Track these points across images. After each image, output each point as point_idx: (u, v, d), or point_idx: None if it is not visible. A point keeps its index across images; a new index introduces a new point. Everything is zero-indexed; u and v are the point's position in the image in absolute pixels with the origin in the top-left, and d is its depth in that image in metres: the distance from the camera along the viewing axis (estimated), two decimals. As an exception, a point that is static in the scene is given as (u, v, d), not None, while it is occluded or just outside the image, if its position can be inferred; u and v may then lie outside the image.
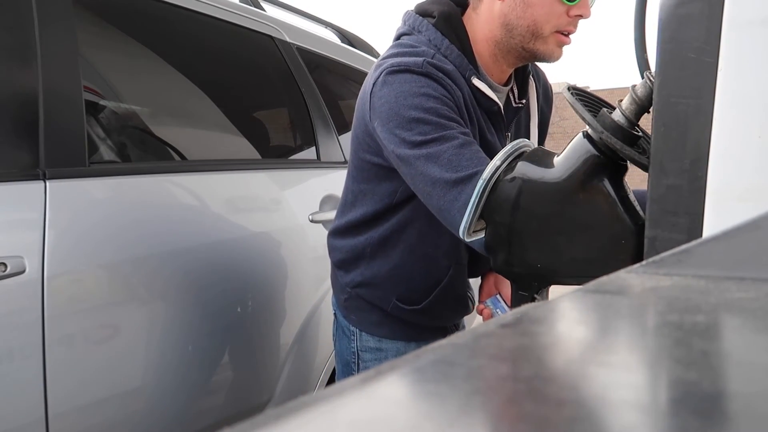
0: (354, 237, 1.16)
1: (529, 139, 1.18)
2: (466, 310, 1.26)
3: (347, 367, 1.25)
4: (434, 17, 1.07)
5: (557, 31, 1.01)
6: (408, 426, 0.16)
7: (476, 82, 1.05)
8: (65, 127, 1.24)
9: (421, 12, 1.10)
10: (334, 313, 1.29)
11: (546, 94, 1.27)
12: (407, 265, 1.13)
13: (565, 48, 1.05)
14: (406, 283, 1.15)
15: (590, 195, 0.75)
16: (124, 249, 1.29)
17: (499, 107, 1.08)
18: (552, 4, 0.99)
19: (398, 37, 1.11)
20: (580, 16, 1.00)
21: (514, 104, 1.16)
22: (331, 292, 1.33)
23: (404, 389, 0.19)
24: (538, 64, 1.23)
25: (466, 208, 0.85)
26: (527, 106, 1.20)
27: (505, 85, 1.13)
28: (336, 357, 1.30)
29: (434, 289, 1.15)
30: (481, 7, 1.07)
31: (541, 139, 1.27)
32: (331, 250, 1.24)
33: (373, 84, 1.00)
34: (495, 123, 1.10)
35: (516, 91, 1.16)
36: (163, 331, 1.36)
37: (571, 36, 1.04)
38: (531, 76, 1.19)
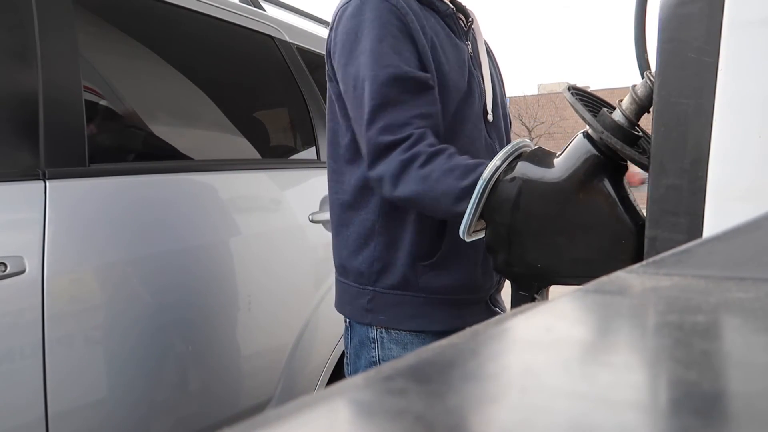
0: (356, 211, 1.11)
1: (478, 55, 1.19)
2: (491, 272, 1.14)
3: None
4: None
5: None
6: (407, 426, 0.16)
7: None
8: (65, 127, 1.24)
9: None
10: (348, 325, 1.17)
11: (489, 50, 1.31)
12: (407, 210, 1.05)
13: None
14: (415, 227, 1.06)
15: (590, 195, 0.75)
16: (124, 249, 1.29)
17: (453, 10, 1.13)
18: None
19: None
20: None
21: (465, 26, 1.19)
22: (332, 292, 1.31)
23: (404, 389, 0.19)
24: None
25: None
26: (474, 30, 1.22)
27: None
28: (352, 374, 1.19)
29: (444, 233, 1.05)
30: None
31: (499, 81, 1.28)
32: (335, 248, 1.16)
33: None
34: (451, 26, 1.14)
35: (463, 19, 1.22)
36: (163, 331, 1.36)
37: None
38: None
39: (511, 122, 1.40)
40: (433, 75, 1.02)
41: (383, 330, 1.11)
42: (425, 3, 1.10)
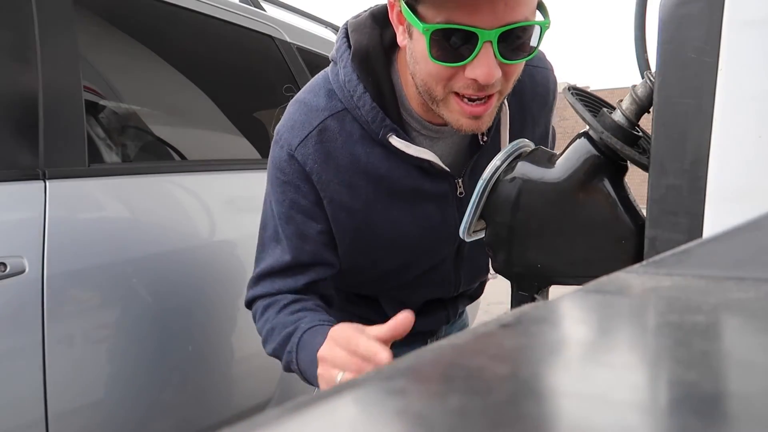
0: None
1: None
2: (439, 321, 1.17)
3: None
4: (350, 49, 0.88)
5: (455, 93, 0.80)
6: (407, 426, 0.16)
7: (394, 141, 0.87)
8: (65, 127, 1.24)
9: (350, 33, 0.91)
10: None
11: (539, 99, 1.03)
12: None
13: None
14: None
15: (590, 195, 0.75)
16: (124, 249, 1.29)
17: (429, 162, 0.90)
18: (428, 62, 0.77)
19: (332, 59, 0.94)
20: (475, 81, 0.76)
21: (481, 141, 0.94)
22: None
23: (404, 389, 0.19)
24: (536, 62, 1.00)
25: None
26: (497, 140, 0.95)
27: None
28: None
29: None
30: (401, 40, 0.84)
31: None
32: None
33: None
34: (431, 172, 0.93)
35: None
36: (163, 331, 1.36)
37: (480, 105, 0.79)
38: (507, 102, 0.94)
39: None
40: (350, 242, 0.97)
41: None
42: (393, 151, 0.90)
